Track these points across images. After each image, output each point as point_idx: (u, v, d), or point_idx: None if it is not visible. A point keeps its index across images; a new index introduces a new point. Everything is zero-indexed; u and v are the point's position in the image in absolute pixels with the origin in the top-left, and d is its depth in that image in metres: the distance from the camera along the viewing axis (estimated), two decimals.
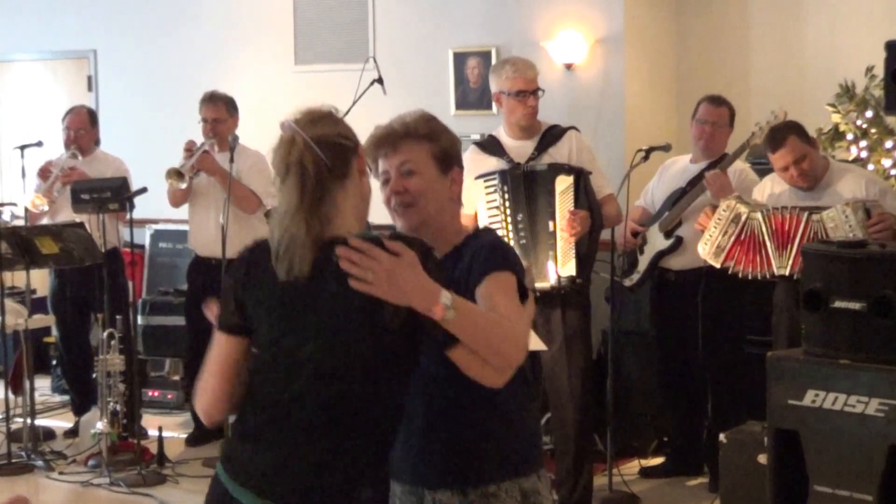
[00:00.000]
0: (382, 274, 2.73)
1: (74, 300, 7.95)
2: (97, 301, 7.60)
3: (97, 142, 8.28)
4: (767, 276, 5.92)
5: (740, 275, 5.97)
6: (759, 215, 5.85)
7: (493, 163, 6.02)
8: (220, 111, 7.66)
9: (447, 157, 3.18)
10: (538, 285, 5.83)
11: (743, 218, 5.90)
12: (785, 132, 5.95)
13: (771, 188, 6.14)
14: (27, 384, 7.51)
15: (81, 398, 8.02)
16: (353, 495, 2.83)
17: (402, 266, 2.75)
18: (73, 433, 7.85)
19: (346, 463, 2.81)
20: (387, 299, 2.75)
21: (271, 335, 2.87)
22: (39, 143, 8.22)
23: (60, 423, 8.21)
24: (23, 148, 8.18)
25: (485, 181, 5.98)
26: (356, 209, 2.91)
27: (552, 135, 6.07)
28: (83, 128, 8.08)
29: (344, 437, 2.81)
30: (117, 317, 7.24)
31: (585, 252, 5.88)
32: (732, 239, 5.93)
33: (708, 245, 6.02)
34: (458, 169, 3.21)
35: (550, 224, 5.85)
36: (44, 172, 7.94)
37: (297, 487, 2.81)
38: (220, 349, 2.94)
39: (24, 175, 8.07)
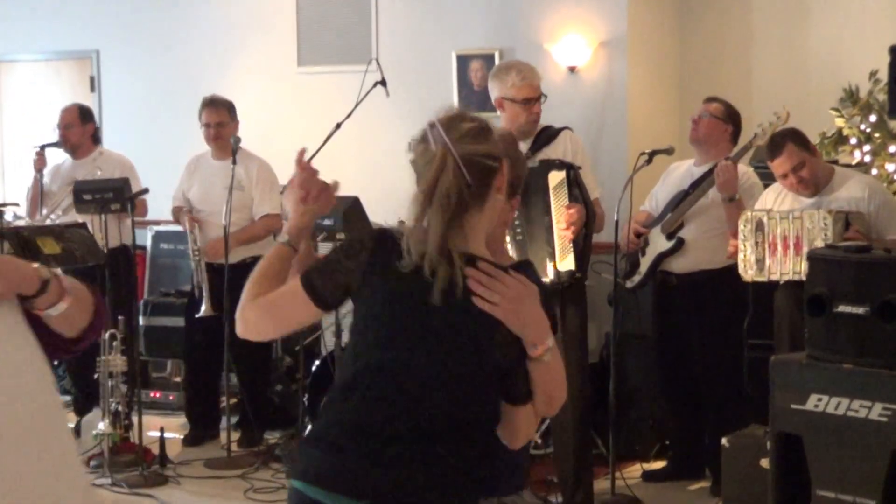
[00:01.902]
0: (508, 299, 2.84)
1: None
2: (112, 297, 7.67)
3: (97, 140, 8.29)
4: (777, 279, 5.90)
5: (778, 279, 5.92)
6: (777, 215, 5.84)
7: None
8: (222, 115, 7.67)
9: (517, 184, 3.20)
10: None
11: (765, 220, 5.88)
12: (783, 140, 5.95)
13: (773, 203, 6.12)
14: None
15: (84, 398, 8.05)
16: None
17: (527, 296, 2.88)
18: (74, 433, 7.86)
19: (451, 457, 2.85)
20: (506, 323, 2.84)
21: (381, 333, 2.88)
22: (58, 144, 8.21)
23: None
24: (43, 147, 8.18)
25: None
26: (490, 227, 2.97)
27: (547, 135, 6.08)
28: (72, 123, 8.12)
29: (452, 439, 2.86)
30: (119, 318, 7.24)
31: (582, 246, 5.87)
32: (767, 247, 5.89)
33: (747, 266, 5.95)
34: (518, 198, 3.25)
35: (546, 220, 5.84)
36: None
37: (409, 487, 2.83)
38: (294, 303, 2.95)
39: (41, 175, 8.08)
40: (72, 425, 7.95)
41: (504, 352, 2.88)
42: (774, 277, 5.89)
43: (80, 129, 8.16)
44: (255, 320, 3.01)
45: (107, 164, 8.03)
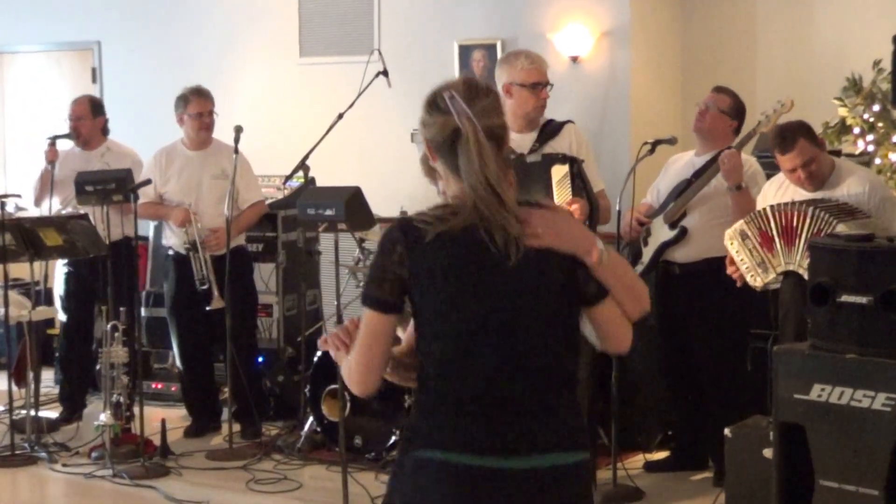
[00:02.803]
0: (547, 226, 3.01)
1: (82, 290, 7.98)
2: (104, 292, 7.68)
3: (105, 131, 8.29)
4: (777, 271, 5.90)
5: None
6: (767, 210, 5.81)
7: None
8: (211, 104, 7.68)
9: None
10: None
11: (746, 228, 5.86)
12: (795, 134, 5.87)
13: (773, 197, 6.09)
14: (31, 376, 7.50)
15: (72, 388, 8.13)
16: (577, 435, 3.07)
17: (561, 217, 3.10)
18: (64, 421, 7.97)
19: (564, 403, 3.05)
20: (555, 247, 3.00)
21: (458, 298, 2.98)
22: (69, 135, 8.20)
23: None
24: (55, 138, 8.18)
25: None
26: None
27: (551, 128, 6.07)
28: (83, 116, 8.14)
29: (556, 383, 3.04)
30: (121, 308, 7.24)
31: None
32: (758, 246, 5.87)
33: (754, 275, 5.93)
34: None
35: None
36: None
37: (542, 436, 2.99)
38: (373, 325, 3.03)
39: (53, 167, 8.07)
40: (56, 415, 8.01)
41: (593, 288, 3.05)
42: (781, 269, 5.87)
43: (90, 121, 8.18)
44: (358, 372, 3.07)
45: (115, 158, 8.03)
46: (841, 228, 5.47)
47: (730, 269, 6.06)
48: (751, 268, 5.91)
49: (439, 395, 3.00)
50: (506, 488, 2.95)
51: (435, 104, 3.05)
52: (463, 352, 2.98)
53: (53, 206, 8.07)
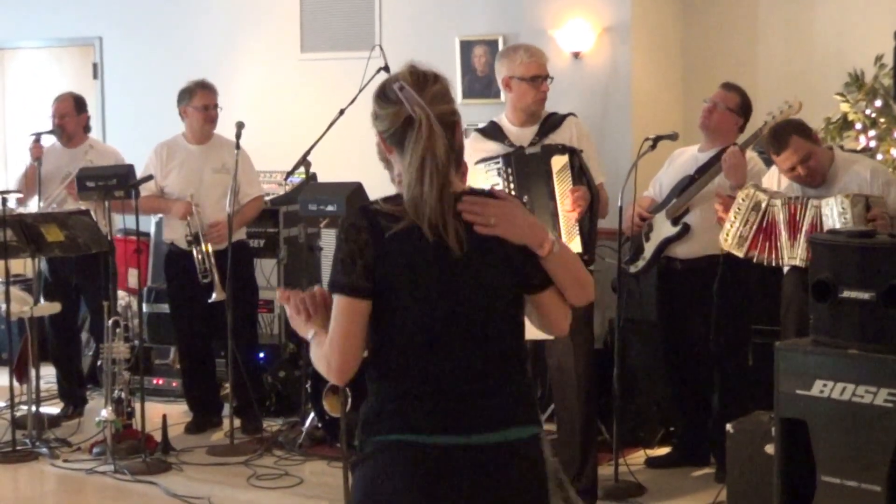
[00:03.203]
0: (500, 216, 3.05)
1: (61, 284, 7.98)
2: (89, 287, 7.76)
3: (87, 129, 8.30)
4: (782, 265, 5.89)
5: (765, 263, 5.91)
6: (778, 202, 5.81)
7: (493, 147, 6.01)
8: (216, 97, 7.69)
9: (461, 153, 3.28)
10: None
11: (763, 205, 5.85)
12: (787, 133, 5.86)
13: (777, 181, 6.09)
14: (32, 372, 7.50)
15: (69, 383, 8.16)
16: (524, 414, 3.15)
17: (513, 208, 3.11)
18: (65, 418, 8.00)
19: (517, 379, 3.13)
20: (507, 237, 3.05)
21: (419, 293, 3.03)
22: (53, 132, 8.21)
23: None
24: (39, 135, 8.18)
25: (486, 166, 5.95)
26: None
27: (552, 121, 6.05)
28: (67, 113, 8.15)
29: (508, 363, 3.12)
30: (104, 302, 7.26)
31: (589, 229, 5.85)
32: (755, 227, 5.87)
33: (729, 236, 5.94)
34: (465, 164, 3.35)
35: (550, 205, 5.83)
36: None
37: (491, 409, 3.07)
38: (349, 312, 3.04)
39: (40, 163, 8.07)
40: (58, 411, 8.01)
41: (539, 277, 3.12)
42: (784, 263, 5.87)
43: (74, 118, 8.19)
44: (339, 360, 3.06)
45: (99, 156, 8.05)
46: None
47: (718, 209, 6.04)
48: (733, 232, 5.91)
49: (401, 382, 3.05)
50: (467, 464, 3.03)
51: (385, 96, 3.07)
52: (425, 341, 3.04)
53: (39, 204, 8.05)
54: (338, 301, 3.04)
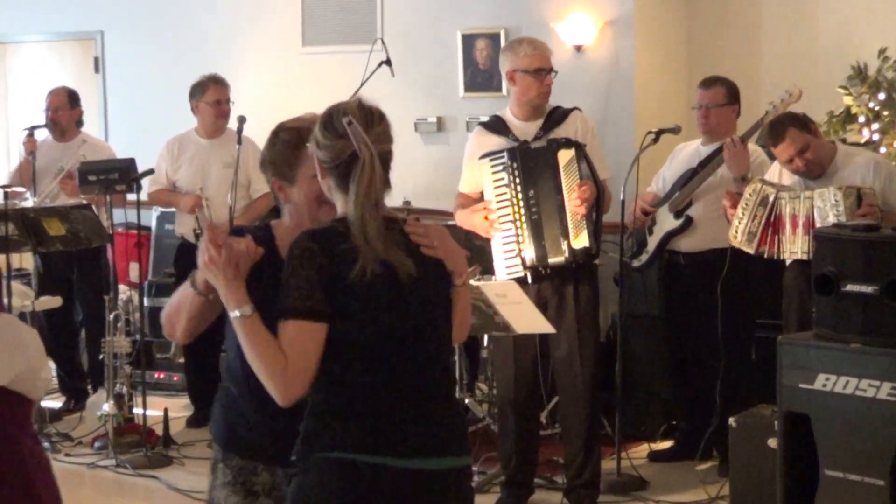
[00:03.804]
0: (441, 240, 3.22)
1: (54, 278, 7.97)
2: (81, 281, 7.81)
3: (80, 123, 8.29)
4: (784, 258, 5.88)
5: (774, 257, 5.89)
6: (786, 195, 5.80)
7: (498, 142, 5.99)
8: (228, 91, 7.68)
9: None
10: (552, 261, 5.81)
11: (771, 199, 5.83)
12: (784, 125, 5.88)
13: (780, 177, 6.08)
14: None
15: (70, 377, 8.14)
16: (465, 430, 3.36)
17: (447, 234, 3.28)
18: (66, 412, 7.99)
19: (456, 408, 3.30)
20: (445, 260, 3.20)
21: (368, 315, 3.10)
22: (46, 126, 8.21)
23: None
24: (32, 129, 8.17)
25: (491, 160, 5.94)
26: None
27: (557, 115, 6.04)
28: (61, 107, 8.15)
29: (448, 388, 3.28)
30: (106, 297, 7.26)
31: (595, 222, 5.84)
32: (763, 222, 5.85)
33: (739, 232, 5.92)
34: None
35: (557, 199, 5.81)
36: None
37: (436, 435, 3.17)
38: (309, 337, 3.06)
39: (34, 158, 8.06)
40: (59, 405, 8.00)
41: (447, 291, 3.26)
42: (784, 256, 5.86)
43: (68, 112, 8.19)
44: (294, 385, 3.07)
45: (93, 150, 8.04)
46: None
47: (726, 205, 6.03)
48: (742, 228, 5.89)
49: (348, 400, 3.09)
50: (408, 488, 3.09)
51: (332, 127, 3.14)
52: (374, 360, 3.09)
53: (33, 200, 8.04)
54: (298, 327, 3.05)
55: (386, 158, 3.18)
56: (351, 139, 3.10)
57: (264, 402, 3.13)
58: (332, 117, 3.16)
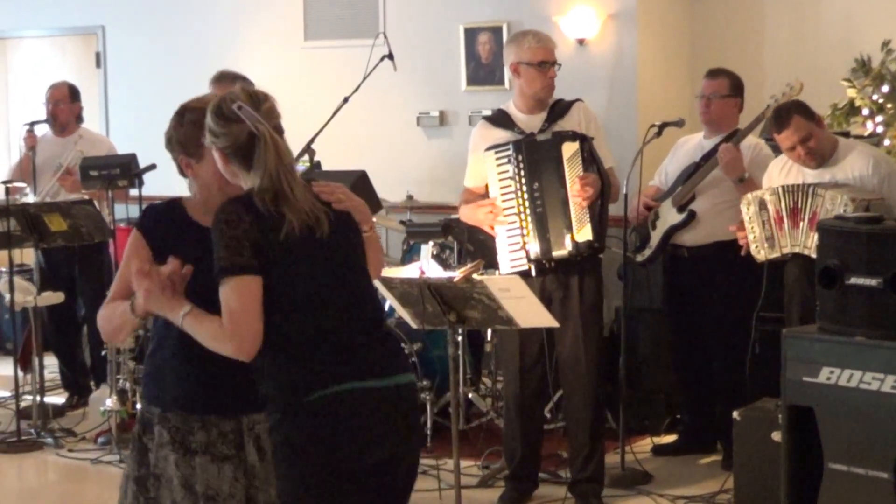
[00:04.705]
0: (345, 194, 3.56)
1: (58, 274, 7.97)
2: (83, 277, 7.82)
3: (80, 118, 8.28)
4: (785, 253, 5.87)
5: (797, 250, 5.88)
6: (780, 190, 5.80)
7: (502, 135, 5.98)
8: (225, 89, 7.62)
9: None
10: (556, 254, 5.80)
11: (767, 199, 5.84)
12: (789, 112, 5.90)
13: (778, 176, 6.07)
14: (36, 361, 7.50)
15: (73, 373, 8.12)
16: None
17: (347, 189, 3.63)
18: (70, 407, 7.99)
19: (392, 336, 3.67)
20: (352, 211, 3.57)
21: (302, 267, 3.41)
22: (47, 121, 8.20)
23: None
24: (33, 124, 8.16)
25: (496, 152, 5.93)
26: None
27: (560, 107, 6.03)
28: (62, 101, 8.15)
29: (380, 320, 3.62)
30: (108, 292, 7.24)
31: (599, 215, 5.83)
32: (771, 224, 5.86)
33: (758, 246, 5.91)
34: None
35: (561, 192, 5.81)
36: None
37: (395, 357, 3.60)
38: (248, 290, 3.34)
39: (34, 153, 8.05)
40: (62, 401, 8.01)
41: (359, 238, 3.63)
42: (787, 251, 5.86)
43: (68, 106, 8.19)
44: (249, 336, 3.35)
45: (90, 145, 8.04)
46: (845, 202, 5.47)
47: (739, 235, 6.03)
48: (759, 239, 5.90)
49: (302, 344, 3.40)
50: (391, 401, 3.47)
51: (224, 115, 3.40)
52: (312, 304, 3.41)
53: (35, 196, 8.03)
54: (234, 283, 3.32)
55: (280, 131, 3.45)
56: (245, 121, 3.36)
57: (198, 356, 3.48)
58: (222, 106, 3.40)
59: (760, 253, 5.93)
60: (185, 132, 3.59)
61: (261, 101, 3.43)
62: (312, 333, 3.40)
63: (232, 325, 3.33)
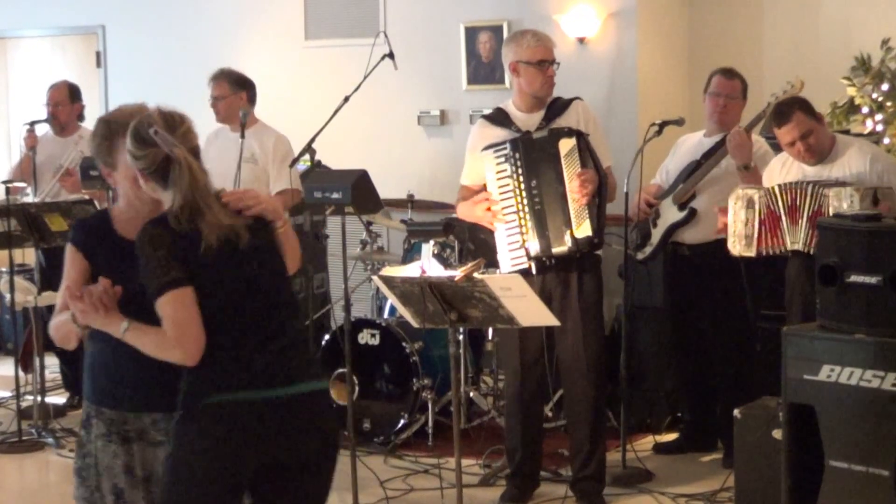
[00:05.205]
0: (254, 200, 3.71)
1: (61, 276, 7.96)
2: None
3: (81, 118, 8.28)
4: (786, 252, 5.87)
5: (773, 253, 5.88)
6: (776, 189, 5.81)
7: (500, 134, 5.98)
8: (222, 88, 7.57)
9: None
10: (555, 250, 5.80)
11: (756, 199, 5.85)
12: (790, 108, 5.92)
13: (779, 173, 6.08)
14: (37, 361, 7.50)
15: (74, 373, 8.13)
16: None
17: (257, 192, 3.81)
18: (71, 408, 7.99)
19: (304, 341, 3.89)
20: (264, 214, 3.71)
21: (220, 277, 3.59)
22: (47, 120, 8.20)
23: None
24: (33, 124, 8.17)
25: (494, 151, 5.93)
26: None
27: (558, 105, 6.04)
28: (61, 101, 8.15)
29: (293, 324, 3.80)
30: None
31: (597, 211, 5.84)
32: (756, 224, 5.86)
33: (735, 241, 5.92)
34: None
35: (559, 188, 5.81)
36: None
37: (297, 367, 3.72)
38: (187, 300, 3.53)
39: (34, 153, 8.06)
40: (63, 401, 8.01)
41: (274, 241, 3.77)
42: (788, 248, 5.86)
43: (69, 107, 8.19)
44: (196, 342, 3.54)
45: (89, 145, 8.01)
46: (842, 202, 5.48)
47: (720, 220, 6.03)
48: (738, 234, 5.89)
49: (217, 351, 3.55)
50: (292, 411, 3.62)
51: (141, 139, 3.58)
52: (231, 314, 3.58)
53: (36, 196, 8.03)
54: (172, 296, 3.51)
55: (196, 153, 3.65)
56: (161, 145, 3.54)
57: (131, 356, 3.63)
58: (139, 130, 3.58)
59: (736, 248, 5.93)
60: (98, 143, 3.83)
61: (177, 125, 3.62)
62: (226, 342, 3.57)
63: (177, 333, 3.51)
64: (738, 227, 5.90)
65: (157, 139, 3.54)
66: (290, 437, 3.63)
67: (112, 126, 3.79)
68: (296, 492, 3.71)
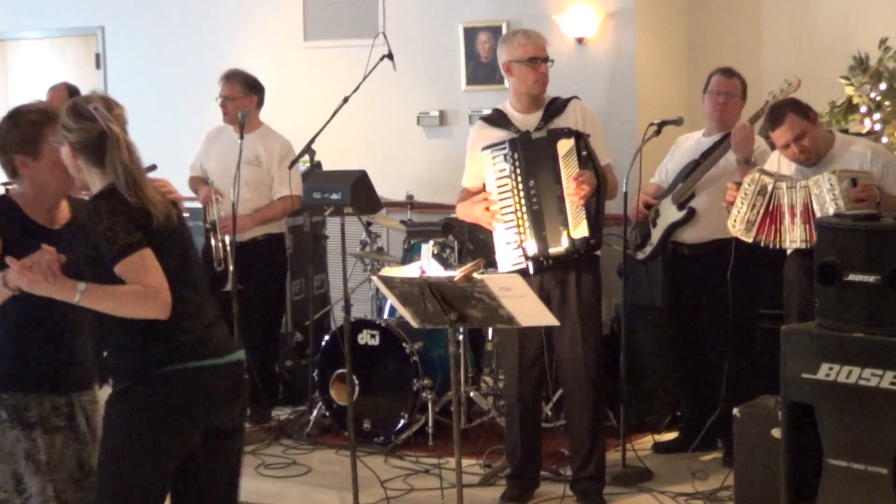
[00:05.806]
0: (169, 187, 4.15)
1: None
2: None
3: None
4: (784, 247, 5.88)
5: (771, 246, 5.90)
6: (784, 185, 5.81)
7: (499, 135, 5.99)
8: (233, 89, 7.60)
9: None
10: (552, 251, 5.81)
11: (769, 188, 5.84)
12: (783, 110, 5.92)
13: (778, 167, 6.09)
14: None
15: None
16: None
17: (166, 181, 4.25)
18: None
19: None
20: (179, 201, 4.12)
21: (173, 249, 3.83)
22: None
23: None
24: None
25: (492, 151, 5.94)
26: None
27: (556, 106, 6.05)
28: (61, 103, 8.10)
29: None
30: None
31: (595, 212, 5.85)
32: (762, 212, 5.86)
33: (737, 221, 5.93)
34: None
35: (557, 189, 5.82)
36: None
37: (228, 336, 4.08)
38: (150, 258, 3.71)
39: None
40: None
41: None
42: (784, 246, 5.87)
43: None
44: (167, 298, 3.72)
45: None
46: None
47: (729, 193, 6.02)
48: (741, 217, 5.90)
49: (166, 323, 3.74)
50: (222, 379, 3.89)
51: (79, 112, 3.79)
52: (177, 286, 3.76)
53: None
54: (137, 256, 3.67)
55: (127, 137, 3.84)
56: (98, 121, 3.73)
57: (28, 338, 3.90)
58: (79, 105, 3.80)
59: (735, 228, 5.94)
60: (25, 131, 3.99)
61: (112, 107, 3.84)
62: (176, 312, 3.74)
63: (155, 284, 3.69)
64: (743, 209, 5.90)
65: (95, 114, 3.74)
66: (229, 402, 3.94)
67: (47, 113, 4.03)
68: (226, 455, 4.06)
